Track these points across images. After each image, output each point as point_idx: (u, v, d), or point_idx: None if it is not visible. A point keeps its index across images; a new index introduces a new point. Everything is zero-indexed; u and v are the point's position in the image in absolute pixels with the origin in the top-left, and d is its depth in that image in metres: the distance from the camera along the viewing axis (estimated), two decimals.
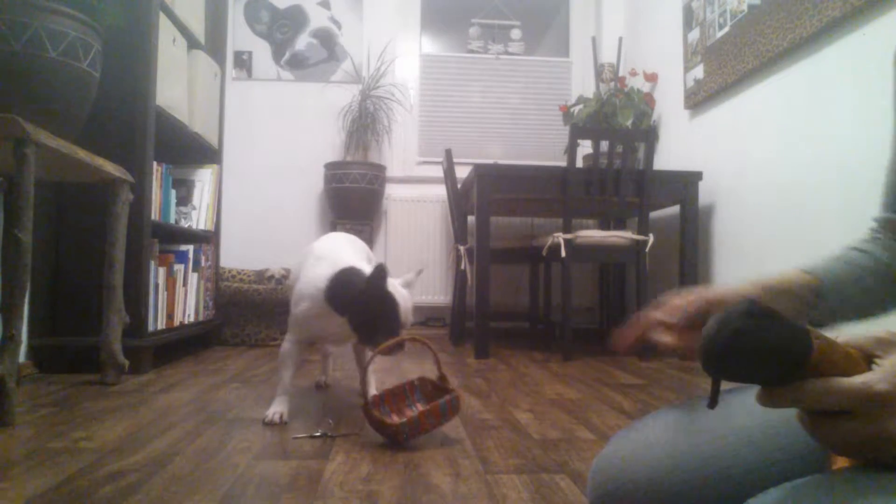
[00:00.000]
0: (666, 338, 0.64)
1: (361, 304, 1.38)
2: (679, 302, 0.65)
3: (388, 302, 1.37)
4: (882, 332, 0.45)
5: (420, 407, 1.48)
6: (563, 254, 2.59)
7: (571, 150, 2.63)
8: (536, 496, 1.01)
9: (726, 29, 2.60)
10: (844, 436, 0.43)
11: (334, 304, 1.41)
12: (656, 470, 0.61)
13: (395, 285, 1.41)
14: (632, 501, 0.62)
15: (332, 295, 1.41)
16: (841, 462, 0.49)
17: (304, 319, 1.48)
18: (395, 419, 1.41)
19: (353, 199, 3.37)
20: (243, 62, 3.66)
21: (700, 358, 0.42)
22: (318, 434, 1.36)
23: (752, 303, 0.41)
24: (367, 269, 1.44)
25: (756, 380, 0.43)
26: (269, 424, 1.45)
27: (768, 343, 0.40)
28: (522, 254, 3.08)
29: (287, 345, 1.53)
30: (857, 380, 0.42)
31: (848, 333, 0.46)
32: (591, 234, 2.65)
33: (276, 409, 1.48)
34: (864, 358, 0.44)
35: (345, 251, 1.57)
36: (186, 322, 2.67)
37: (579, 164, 3.18)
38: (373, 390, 1.66)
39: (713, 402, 0.44)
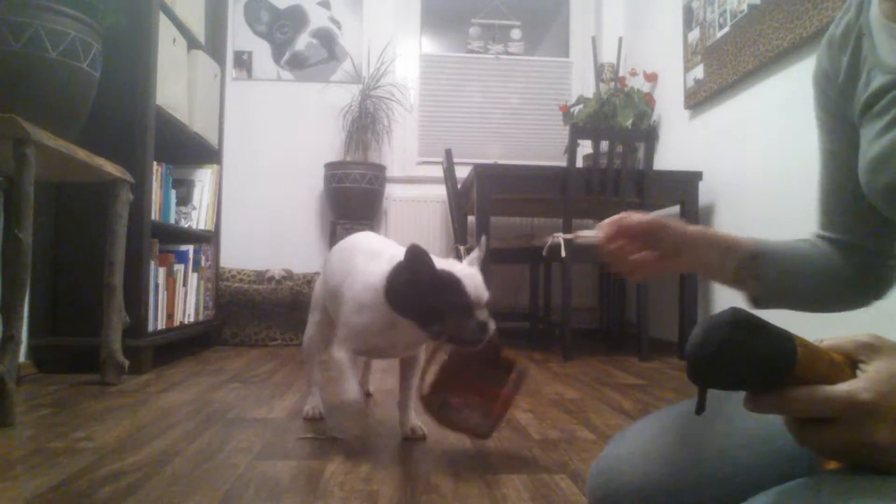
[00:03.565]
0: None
1: (417, 296, 1.17)
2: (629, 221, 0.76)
3: (446, 280, 1.16)
4: (866, 337, 0.45)
5: (493, 375, 1.26)
6: (563, 254, 2.59)
7: (571, 150, 2.63)
8: (536, 496, 1.01)
9: (726, 29, 2.60)
10: (829, 442, 0.43)
11: (398, 306, 1.19)
12: (654, 472, 0.62)
13: (450, 263, 1.22)
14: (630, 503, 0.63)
15: (394, 296, 1.20)
16: (832, 464, 0.49)
17: (365, 331, 1.26)
18: (476, 400, 1.26)
19: (353, 199, 3.36)
20: (243, 62, 3.66)
21: (686, 367, 0.43)
22: (322, 437, 1.36)
23: (736, 312, 0.41)
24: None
25: (742, 388, 0.44)
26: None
27: (754, 353, 0.41)
28: (522, 254, 3.08)
29: (343, 355, 1.30)
30: (841, 388, 0.42)
31: (833, 338, 0.46)
32: (592, 234, 2.65)
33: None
34: (849, 364, 0.44)
35: (395, 245, 1.36)
36: (186, 322, 2.67)
37: (579, 164, 3.17)
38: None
39: (700, 409, 0.44)
